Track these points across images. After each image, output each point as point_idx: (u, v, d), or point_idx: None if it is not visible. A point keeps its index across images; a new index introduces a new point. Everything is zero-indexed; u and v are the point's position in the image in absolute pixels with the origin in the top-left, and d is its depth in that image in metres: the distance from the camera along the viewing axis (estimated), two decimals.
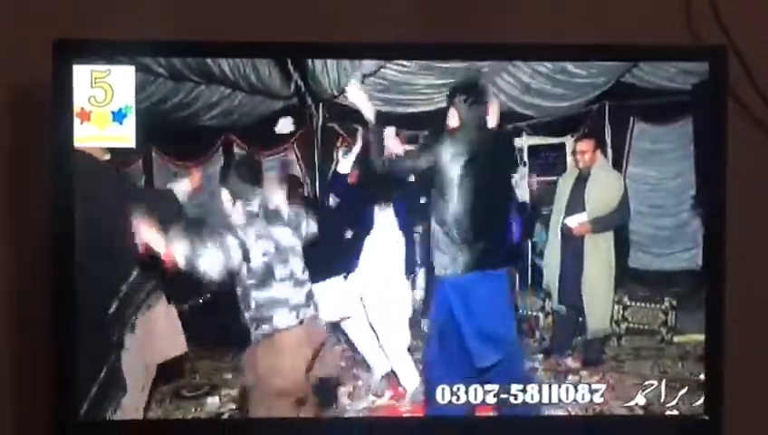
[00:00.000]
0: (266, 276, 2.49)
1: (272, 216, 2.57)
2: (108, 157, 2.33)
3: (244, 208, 2.53)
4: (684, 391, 2.41)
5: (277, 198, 2.63)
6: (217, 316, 2.86)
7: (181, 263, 2.28)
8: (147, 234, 2.25)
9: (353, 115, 2.91)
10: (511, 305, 2.86)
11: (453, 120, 2.73)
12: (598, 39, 2.26)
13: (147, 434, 2.52)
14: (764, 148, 2.39)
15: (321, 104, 3.17)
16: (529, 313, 3.34)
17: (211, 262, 2.36)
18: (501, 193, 2.77)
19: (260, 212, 2.56)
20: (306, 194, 3.09)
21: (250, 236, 2.48)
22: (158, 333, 2.59)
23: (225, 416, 2.82)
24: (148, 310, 2.54)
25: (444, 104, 2.83)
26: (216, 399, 2.91)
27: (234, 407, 2.88)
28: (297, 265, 2.56)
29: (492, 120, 2.75)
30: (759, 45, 2.29)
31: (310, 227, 2.66)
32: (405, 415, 2.79)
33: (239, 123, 3.21)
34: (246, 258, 2.45)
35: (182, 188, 2.65)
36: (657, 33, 2.29)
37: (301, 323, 2.53)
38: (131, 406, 2.49)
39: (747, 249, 2.27)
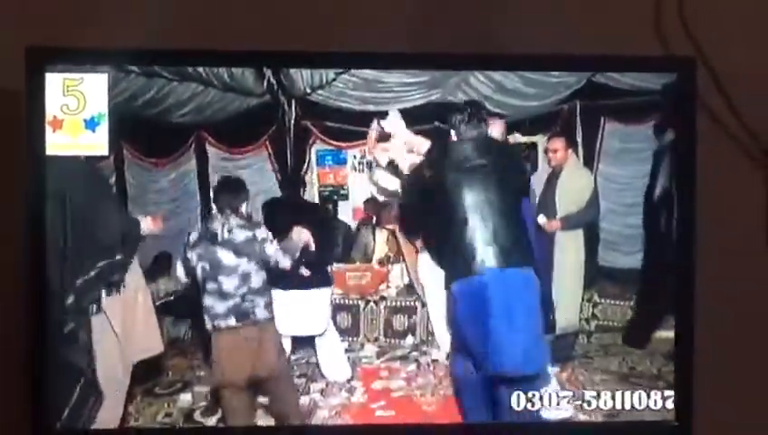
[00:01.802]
0: (201, 288, 2.88)
1: (212, 238, 2.86)
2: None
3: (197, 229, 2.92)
4: (653, 391, 2.44)
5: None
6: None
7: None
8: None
9: (326, 113, 2.94)
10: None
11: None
12: (569, 48, 2.28)
13: None
14: (733, 154, 2.44)
15: (293, 101, 3.17)
16: None
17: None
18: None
19: (204, 234, 2.87)
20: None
21: (195, 254, 2.87)
22: (137, 331, 2.62)
23: (198, 413, 2.86)
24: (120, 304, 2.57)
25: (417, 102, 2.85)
26: (189, 396, 2.97)
27: (205, 404, 2.94)
28: (229, 281, 2.85)
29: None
30: (727, 55, 2.32)
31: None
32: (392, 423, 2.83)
33: (211, 120, 3.21)
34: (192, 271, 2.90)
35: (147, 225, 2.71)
36: (627, 44, 2.31)
37: (215, 329, 2.86)
38: (110, 408, 2.52)
39: (716, 250, 2.30)
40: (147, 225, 2.69)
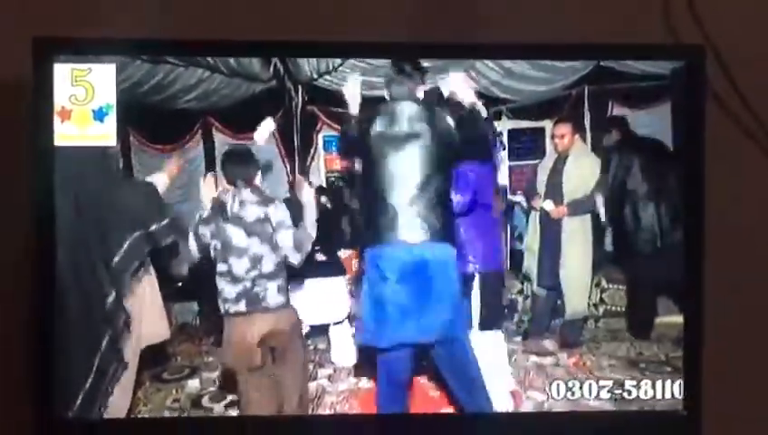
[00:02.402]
0: (211, 269, 2.73)
1: (222, 211, 2.71)
2: None
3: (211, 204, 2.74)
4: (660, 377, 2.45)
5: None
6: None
7: None
8: None
9: (333, 98, 2.94)
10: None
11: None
12: (576, 37, 2.28)
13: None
14: (741, 142, 2.43)
15: (300, 87, 3.19)
16: (511, 295, 3.41)
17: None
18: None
19: (215, 209, 2.72)
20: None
21: (208, 231, 2.72)
22: (145, 317, 2.65)
23: (206, 399, 2.89)
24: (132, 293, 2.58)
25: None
26: (197, 381, 3.01)
27: (213, 389, 2.98)
28: (240, 264, 2.68)
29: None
30: (736, 43, 2.32)
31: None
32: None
33: (218, 106, 3.22)
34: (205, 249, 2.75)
35: (161, 180, 2.67)
36: (636, 32, 2.31)
37: (227, 314, 2.69)
38: (119, 397, 2.56)
39: (724, 238, 2.31)
40: (163, 180, 2.68)
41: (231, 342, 2.72)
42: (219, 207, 2.71)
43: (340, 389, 3.05)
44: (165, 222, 2.59)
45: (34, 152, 2.13)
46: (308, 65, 2.97)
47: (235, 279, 2.68)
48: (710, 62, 2.26)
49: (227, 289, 2.69)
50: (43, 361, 2.16)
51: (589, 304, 3.23)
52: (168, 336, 2.79)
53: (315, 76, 3.05)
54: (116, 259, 2.47)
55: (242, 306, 2.69)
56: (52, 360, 2.16)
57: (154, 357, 2.83)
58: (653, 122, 3.04)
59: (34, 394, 2.17)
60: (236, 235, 2.69)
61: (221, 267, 2.71)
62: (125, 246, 2.49)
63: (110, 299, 2.47)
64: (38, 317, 2.16)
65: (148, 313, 2.66)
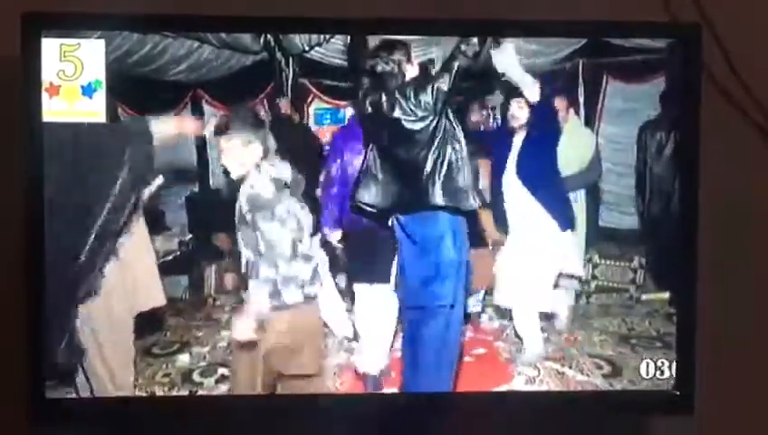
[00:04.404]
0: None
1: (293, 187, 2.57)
2: None
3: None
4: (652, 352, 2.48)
5: None
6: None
7: None
8: None
9: (325, 70, 2.94)
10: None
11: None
12: (572, 15, 2.29)
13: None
14: (738, 126, 2.45)
15: (291, 59, 3.17)
16: None
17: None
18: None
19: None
20: None
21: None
22: (137, 282, 2.65)
23: (197, 374, 2.90)
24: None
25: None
26: (187, 356, 3.02)
27: (204, 364, 2.98)
28: (309, 241, 2.54)
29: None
30: (733, 22, 2.33)
31: None
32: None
33: (208, 78, 3.21)
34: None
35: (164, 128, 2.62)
36: (633, 11, 2.32)
37: (307, 297, 2.53)
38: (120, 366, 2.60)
39: (719, 220, 2.33)
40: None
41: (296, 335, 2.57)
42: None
43: (334, 363, 3.06)
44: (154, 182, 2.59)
45: (23, 128, 2.14)
46: (299, 37, 2.95)
47: (307, 258, 2.52)
48: (708, 47, 2.27)
49: (303, 270, 2.49)
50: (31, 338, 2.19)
51: (581, 280, 3.26)
52: (163, 303, 2.76)
53: (306, 48, 3.04)
54: (99, 221, 2.47)
55: (316, 288, 2.55)
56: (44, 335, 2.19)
57: (147, 327, 2.83)
58: (647, 97, 3.05)
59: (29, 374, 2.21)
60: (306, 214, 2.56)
61: (298, 249, 2.49)
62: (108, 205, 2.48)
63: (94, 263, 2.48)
64: (28, 298, 2.18)
65: (141, 278, 2.65)
